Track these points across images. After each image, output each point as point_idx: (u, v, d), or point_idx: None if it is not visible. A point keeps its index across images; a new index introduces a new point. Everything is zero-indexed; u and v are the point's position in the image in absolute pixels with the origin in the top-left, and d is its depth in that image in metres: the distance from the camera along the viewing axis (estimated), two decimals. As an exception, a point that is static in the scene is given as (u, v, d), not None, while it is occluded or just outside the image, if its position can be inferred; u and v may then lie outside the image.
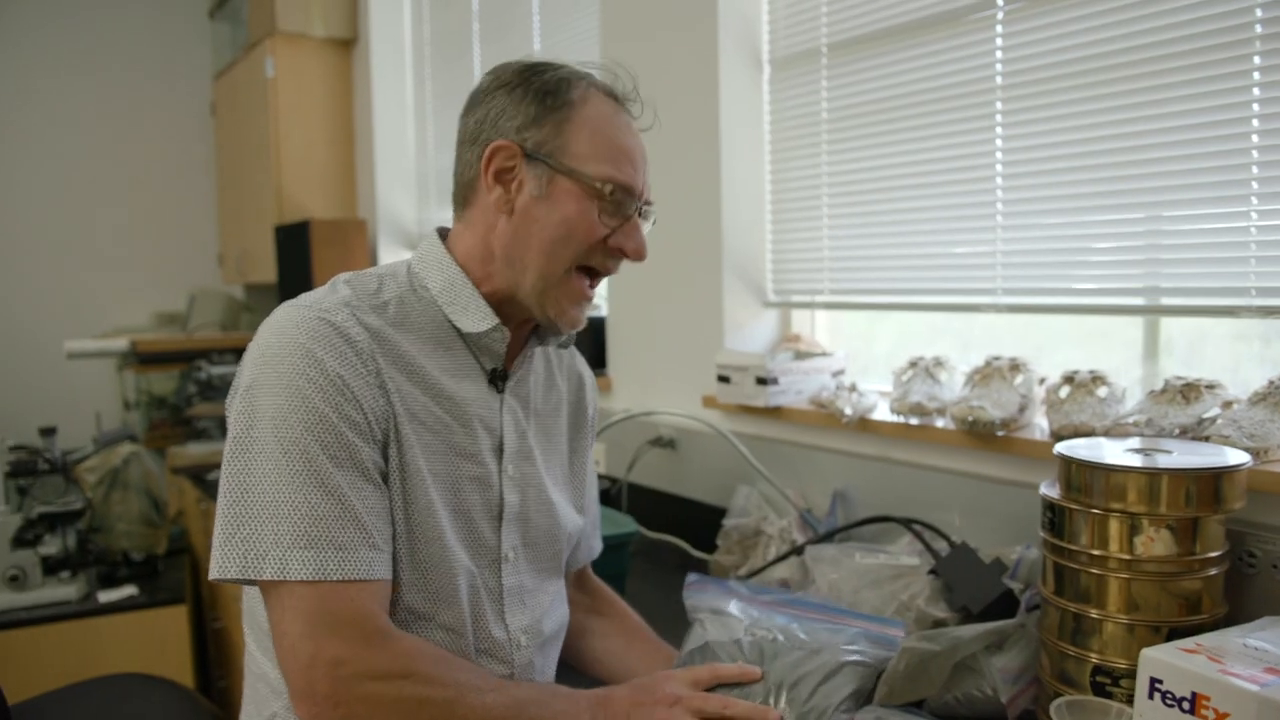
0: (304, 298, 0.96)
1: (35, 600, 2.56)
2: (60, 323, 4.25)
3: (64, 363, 3.57)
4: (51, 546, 2.67)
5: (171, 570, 2.88)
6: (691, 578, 1.09)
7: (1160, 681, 0.87)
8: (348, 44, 3.94)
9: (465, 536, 1.00)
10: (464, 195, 1.04)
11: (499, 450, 1.04)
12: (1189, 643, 0.93)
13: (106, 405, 4.05)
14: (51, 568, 2.61)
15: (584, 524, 1.21)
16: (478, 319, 1.00)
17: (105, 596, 2.65)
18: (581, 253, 0.99)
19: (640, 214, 1.03)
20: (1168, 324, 1.55)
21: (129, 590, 2.67)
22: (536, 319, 1.04)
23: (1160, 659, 0.88)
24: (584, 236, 0.98)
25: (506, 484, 1.04)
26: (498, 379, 1.05)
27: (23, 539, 2.59)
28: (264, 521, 0.86)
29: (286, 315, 0.93)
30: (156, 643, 2.58)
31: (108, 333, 4.13)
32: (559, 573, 1.15)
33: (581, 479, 1.21)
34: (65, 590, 2.61)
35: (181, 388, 3.84)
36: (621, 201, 0.99)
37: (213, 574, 0.90)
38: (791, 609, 1.09)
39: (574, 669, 1.27)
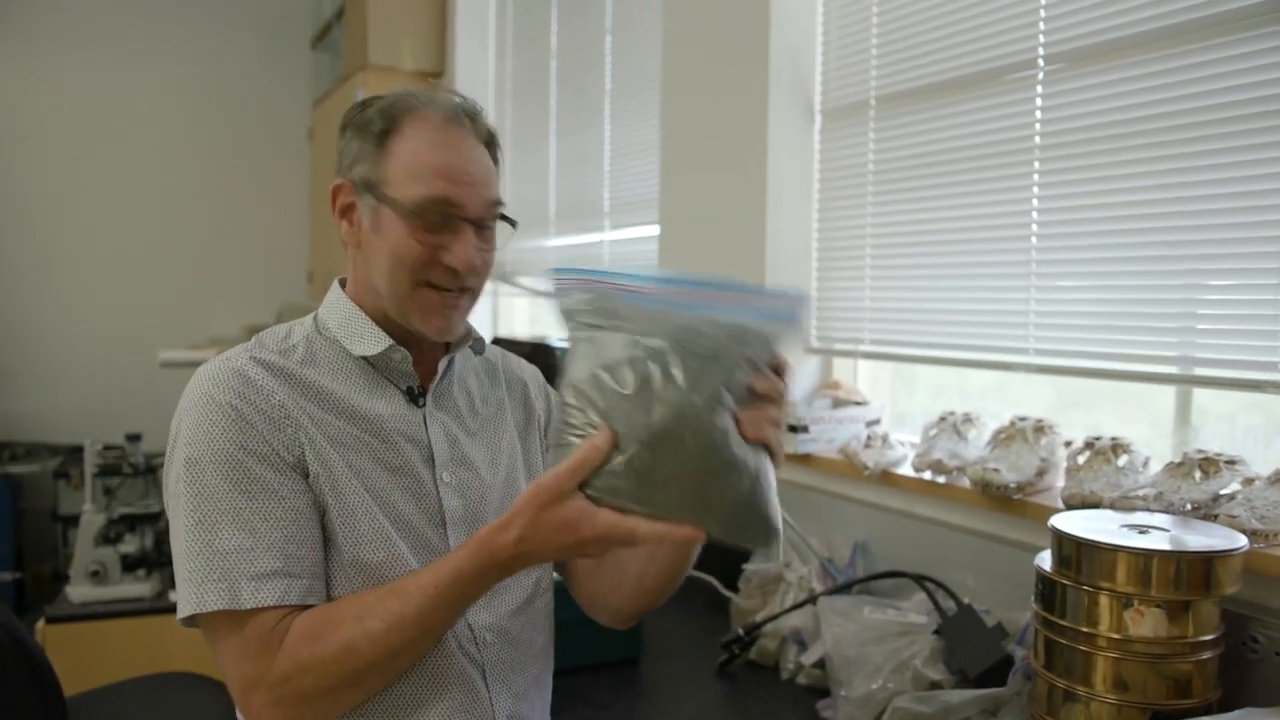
0: (216, 356, 1.05)
1: (113, 595, 2.74)
2: (157, 333, 4.53)
3: (158, 370, 3.80)
4: (130, 545, 2.85)
5: (239, 574, 3.03)
6: (561, 272, 0.93)
7: (1114, 767, 0.87)
8: (435, 77, 4.11)
9: (412, 544, 1.04)
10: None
11: (430, 461, 1.09)
12: (1152, 729, 0.92)
13: (196, 412, 4.29)
14: (129, 565, 2.79)
15: None
16: (372, 344, 1.07)
17: (176, 596, 2.80)
18: (418, 274, 1.03)
19: (480, 224, 1.05)
20: (1203, 394, 1.51)
21: (198, 591, 2.82)
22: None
23: (1116, 744, 0.88)
24: (411, 259, 1.02)
25: (444, 490, 1.08)
26: (416, 396, 1.10)
27: (105, 536, 2.78)
28: (189, 565, 0.94)
29: (198, 372, 1.02)
30: (219, 643, 2.72)
31: (201, 343, 4.36)
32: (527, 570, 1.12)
33: (539, 474, 1.22)
34: (140, 587, 2.78)
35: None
36: (439, 218, 1.02)
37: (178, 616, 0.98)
38: (673, 289, 0.90)
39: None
